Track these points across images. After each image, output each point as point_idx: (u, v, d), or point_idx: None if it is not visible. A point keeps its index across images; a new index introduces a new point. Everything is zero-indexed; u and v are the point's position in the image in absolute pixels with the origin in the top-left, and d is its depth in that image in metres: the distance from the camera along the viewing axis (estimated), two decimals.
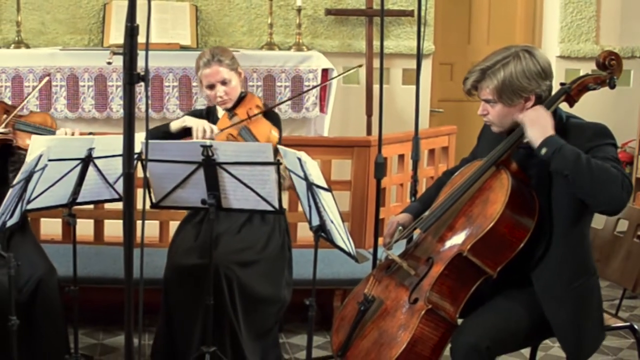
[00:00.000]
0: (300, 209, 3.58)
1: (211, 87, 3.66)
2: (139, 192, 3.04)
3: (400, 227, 3.06)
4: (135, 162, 2.99)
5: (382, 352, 2.76)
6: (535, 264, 2.80)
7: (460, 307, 2.78)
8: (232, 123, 3.61)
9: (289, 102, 5.19)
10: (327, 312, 4.19)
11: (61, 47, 5.27)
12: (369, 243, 4.39)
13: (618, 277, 3.46)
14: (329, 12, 5.62)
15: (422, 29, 3.68)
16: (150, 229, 3.89)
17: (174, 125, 3.62)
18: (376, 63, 5.38)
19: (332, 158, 4.48)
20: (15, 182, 2.87)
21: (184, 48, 5.19)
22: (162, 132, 3.59)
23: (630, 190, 2.62)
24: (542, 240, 2.78)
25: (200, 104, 4.98)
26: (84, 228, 4.12)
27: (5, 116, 3.48)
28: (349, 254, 2.97)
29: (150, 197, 3.26)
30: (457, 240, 2.79)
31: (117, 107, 5.03)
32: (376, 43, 5.49)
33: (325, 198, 2.92)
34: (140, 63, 2.17)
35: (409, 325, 2.73)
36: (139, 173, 3.20)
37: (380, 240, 3.26)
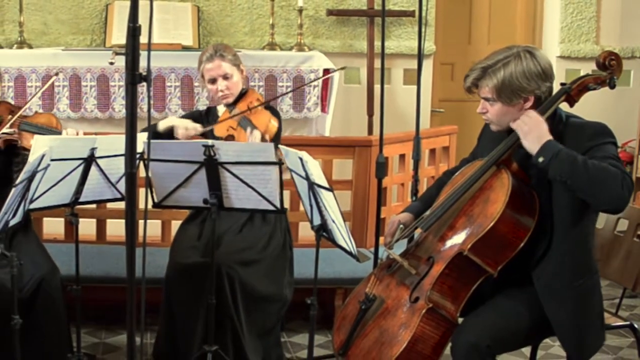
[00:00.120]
0: (301, 208, 3.59)
1: (213, 81, 3.68)
2: (141, 191, 3.06)
3: (401, 227, 3.06)
4: (137, 161, 3.00)
5: (383, 350, 2.76)
6: (536, 263, 2.80)
7: (461, 306, 2.78)
8: (232, 114, 3.63)
9: (291, 103, 5.20)
10: (329, 311, 4.19)
11: (64, 47, 5.28)
12: (370, 242, 4.40)
13: (618, 277, 3.47)
14: (330, 12, 5.62)
15: (423, 29, 3.69)
16: (152, 229, 3.89)
17: (161, 126, 3.65)
18: (377, 63, 5.43)
19: (333, 158, 4.49)
20: (17, 181, 2.86)
21: (185, 48, 5.20)
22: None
23: (631, 188, 2.61)
24: (543, 240, 2.78)
25: (202, 103, 4.99)
26: (87, 227, 4.12)
27: (10, 116, 3.46)
28: (350, 253, 2.97)
29: (152, 196, 3.26)
30: (457, 239, 2.79)
31: (119, 107, 5.03)
32: (377, 43, 5.50)
33: (327, 197, 2.93)
34: (143, 63, 2.18)
35: (410, 324, 2.73)
36: (141, 173, 3.21)
37: (382, 239, 3.26)
